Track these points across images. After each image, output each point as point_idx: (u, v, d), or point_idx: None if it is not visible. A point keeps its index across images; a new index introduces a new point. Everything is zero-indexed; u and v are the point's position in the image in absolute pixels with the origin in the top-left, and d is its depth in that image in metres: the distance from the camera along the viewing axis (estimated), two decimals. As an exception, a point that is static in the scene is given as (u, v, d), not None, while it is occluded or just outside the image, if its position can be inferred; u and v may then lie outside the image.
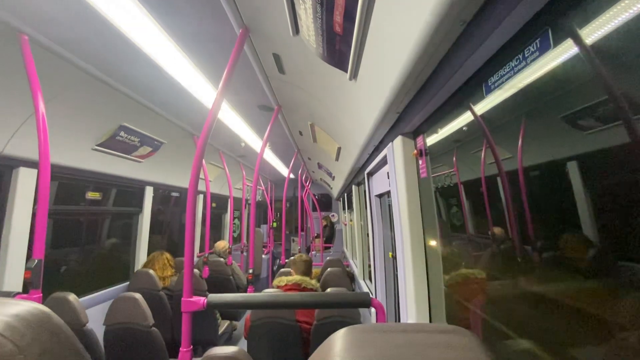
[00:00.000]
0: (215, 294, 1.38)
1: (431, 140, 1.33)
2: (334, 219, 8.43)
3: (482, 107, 0.93)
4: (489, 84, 0.82)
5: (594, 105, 0.61)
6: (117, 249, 3.28)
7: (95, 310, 2.55)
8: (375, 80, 1.19)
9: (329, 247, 7.07)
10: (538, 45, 0.62)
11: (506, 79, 0.76)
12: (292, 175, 5.24)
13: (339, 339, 0.33)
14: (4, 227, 1.95)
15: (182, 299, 1.38)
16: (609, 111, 0.58)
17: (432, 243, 1.36)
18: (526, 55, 0.66)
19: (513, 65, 0.71)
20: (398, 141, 1.47)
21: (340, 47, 1.21)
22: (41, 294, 1.63)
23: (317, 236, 6.71)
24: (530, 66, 0.67)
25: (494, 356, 0.30)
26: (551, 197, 0.78)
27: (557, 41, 0.59)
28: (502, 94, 0.82)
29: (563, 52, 0.60)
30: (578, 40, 0.57)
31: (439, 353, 0.29)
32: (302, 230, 6.46)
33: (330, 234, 7.72)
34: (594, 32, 0.53)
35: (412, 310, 1.41)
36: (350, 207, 5.18)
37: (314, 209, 7.98)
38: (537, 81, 0.70)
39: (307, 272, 2.28)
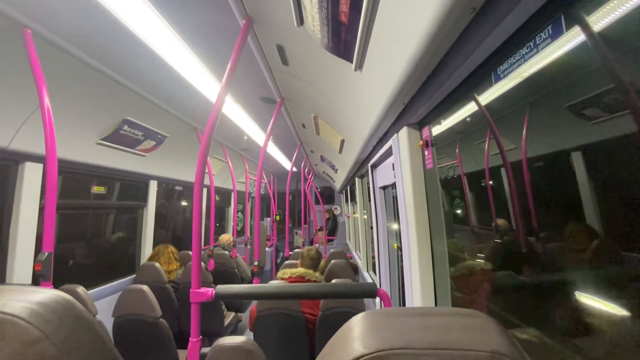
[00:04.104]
0: (223, 285, 1.39)
1: (437, 130, 1.32)
2: (337, 212, 8.45)
3: (491, 96, 0.93)
4: (498, 73, 0.81)
5: (602, 94, 0.60)
6: (123, 243, 3.31)
7: (103, 303, 2.59)
8: (382, 71, 1.18)
9: (332, 240, 7.11)
10: (550, 32, 0.61)
11: (516, 68, 0.75)
12: (294, 169, 5.24)
13: (357, 323, 0.33)
14: (12, 221, 1.97)
15: (191, 290, 1.40)
16: (620, 100, 0.57)
17: (438, 234, 1.37)
18: (537, 43, 0.65)
19: (524, 53, 0.70)
20: (403, 132, 1.47)
21: (345, 37, 1.20)
22: (52, 286, 1.66)
23: (320, 229, 6.75)
24: (541, 54, 0.67)
25: (511, 338, 0.30)
26: (559, 188, 0.78)
27: (570, 27, 0.58)
28: (512, 83, 0.82)
29: (576, 39, 0.60)
30: (591, 26, 0.56)
31: (457, 335, 0.29)
32: (305, 223, 6.49)
33: (333, 227, 7.75)
34: (609, 16, 0.53)
35: (417, 301, 1.42)
36: (353, 199, 5.19)
37: (317, 202, 7.99)
38: (547, 69, 0.69)
39: (313, 267, 2.30)
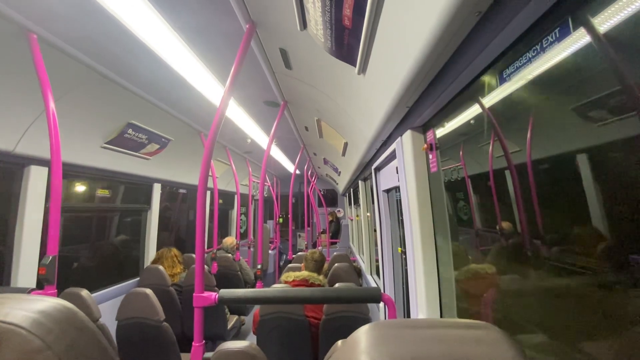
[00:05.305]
0: (226, 289, 1.39)
1: (441, 133, 1.31)
2: (340, 215, 8.43)
3: (495, 98, 0.92)
4: (504, 76, 0.80)
5: (609, 96, 0.59)
6: (127, 246, 3.32)
7: (107, 306, 2.60)
8: (385, 74, 1.17)
9: (335, 243, 7.09)
10: (557, 35, 0.60)
11: (521, 71, 0.75)
12: (298, 171, 5.25)
13: (363, 334, 0.33)
14: (17, 224, 1.98)
15: (194, 294, 1.40)
16: (627, 102, 0.56)
17: (443, 238, 1.35)
18: (544, 46, 0.64)
19: (530, 56, 0.69)
20: (407, 135, 1.46)
21: (349, 40, 1.19)
22: (56, 290, 1.66)
23: (323, 231, 6.73)
24: (547, 56, 0.66)
25: (523, 352, 0.29)
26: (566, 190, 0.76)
27: (578, 31, 0.57)
28: (517, 85, 0.81)
29: (582, 40, 0.59)
30: (599, 27, 0.55)
31: (469, 348, 0.28)
32: (308, 225, 6.48)
33: (336, 230, 7.73)
34: (617, 17, 0.52)
35: (422, 306, 1.40)
36: (356, 202, 5.18)
37: (320, 205, 7.99)
38: (553, 72, 0.68)
39: (317, 270, 2.29)
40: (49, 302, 0.37)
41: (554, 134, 0.76)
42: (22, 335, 0.33)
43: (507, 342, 0.29)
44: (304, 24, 1.34)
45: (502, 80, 0.82)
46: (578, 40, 0.59)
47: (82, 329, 0.38)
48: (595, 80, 0.63)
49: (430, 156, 1.35)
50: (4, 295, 0.39)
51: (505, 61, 0.79)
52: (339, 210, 8.59)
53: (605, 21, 0.53)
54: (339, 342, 0.63)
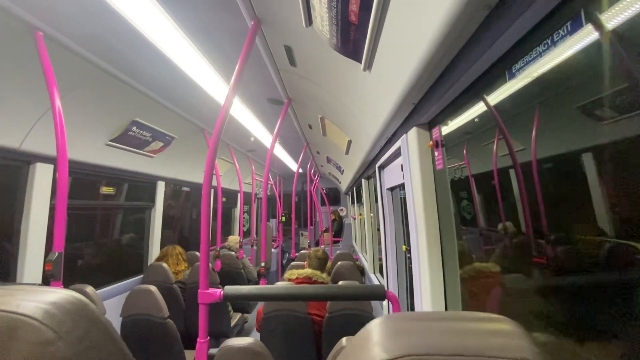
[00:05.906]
0: (231, 286, 1.39)
1: (445, 131, 1.30)
2: (343, 213, 8.43)
3: (503, 95, 0.91)
4: (513, 72, 0.79)
5: (614, 94, 0.58)
6: (131, 243, 3.34)
7: (111, 303, 2.61)
8: (391, 71, 1.17)
9: (338, 241, 7.09)
10: (569, 29, 0.60)
11: (531, 67, 0.74)
12: (300, 170, 5.24)
13: (376, 327, 0.32)
14: (23, 221, 1.99)
15: (199, 291, 1.40)
16: (631, 100, 0.55)
17: (448, 236, 1.35)
18: (555, 40, 0.63)
19: (540, 50, 0.68)
20: (413, 132, 1.45)
21: (355, 36, 1.19)
22: (62, 286, 1.67)
23: (326, 230, 6.73)
24: (557, 52, 0.65)
25: (535, 344, 0.29)
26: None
27: (590, 25, 0.57)
28: (524, 82, 0.80)
29: (596, 37, 0.58)
30: (612, 24, 0.54)
31: (483, 340, 0.28)
32: (311, 224, 6.49)
33: (338, 228, 7.72)
34: (633, 13, 0.51)
35: (427, 303, 1.40)
36: (359, 201, 5.17)
37: (323, 203, 7.99)
38: (561, 68, 0.67)
39: (320, 268, 2.29)
40: (60, 294, 0.37)
41: (562, 132, 0.75)
42: (34, 326, 0.33)
43: (522, 334, 0.29)
44: (309, 21, 1.33)
45: (510, 77, 0.81)
46: (589, 35, 0.58)
47: (94, 321, 0.38)
48: (605, 78, 0.62)
49: (436, 153, 1.34)
50: (14, 287, 0.39)
51: (513, 57, 0.78)
52: (341, 209, 8.59)
53: (619, 14, 0.52)
54: (343, 340, 0.63)
